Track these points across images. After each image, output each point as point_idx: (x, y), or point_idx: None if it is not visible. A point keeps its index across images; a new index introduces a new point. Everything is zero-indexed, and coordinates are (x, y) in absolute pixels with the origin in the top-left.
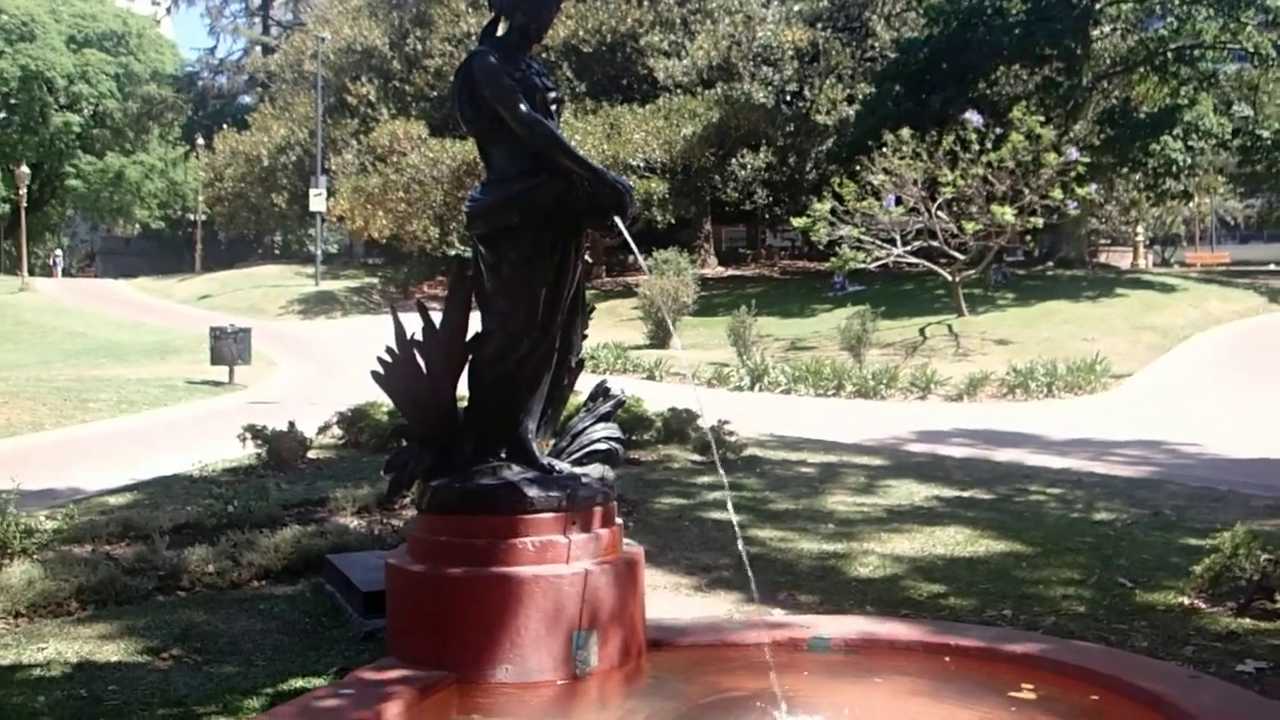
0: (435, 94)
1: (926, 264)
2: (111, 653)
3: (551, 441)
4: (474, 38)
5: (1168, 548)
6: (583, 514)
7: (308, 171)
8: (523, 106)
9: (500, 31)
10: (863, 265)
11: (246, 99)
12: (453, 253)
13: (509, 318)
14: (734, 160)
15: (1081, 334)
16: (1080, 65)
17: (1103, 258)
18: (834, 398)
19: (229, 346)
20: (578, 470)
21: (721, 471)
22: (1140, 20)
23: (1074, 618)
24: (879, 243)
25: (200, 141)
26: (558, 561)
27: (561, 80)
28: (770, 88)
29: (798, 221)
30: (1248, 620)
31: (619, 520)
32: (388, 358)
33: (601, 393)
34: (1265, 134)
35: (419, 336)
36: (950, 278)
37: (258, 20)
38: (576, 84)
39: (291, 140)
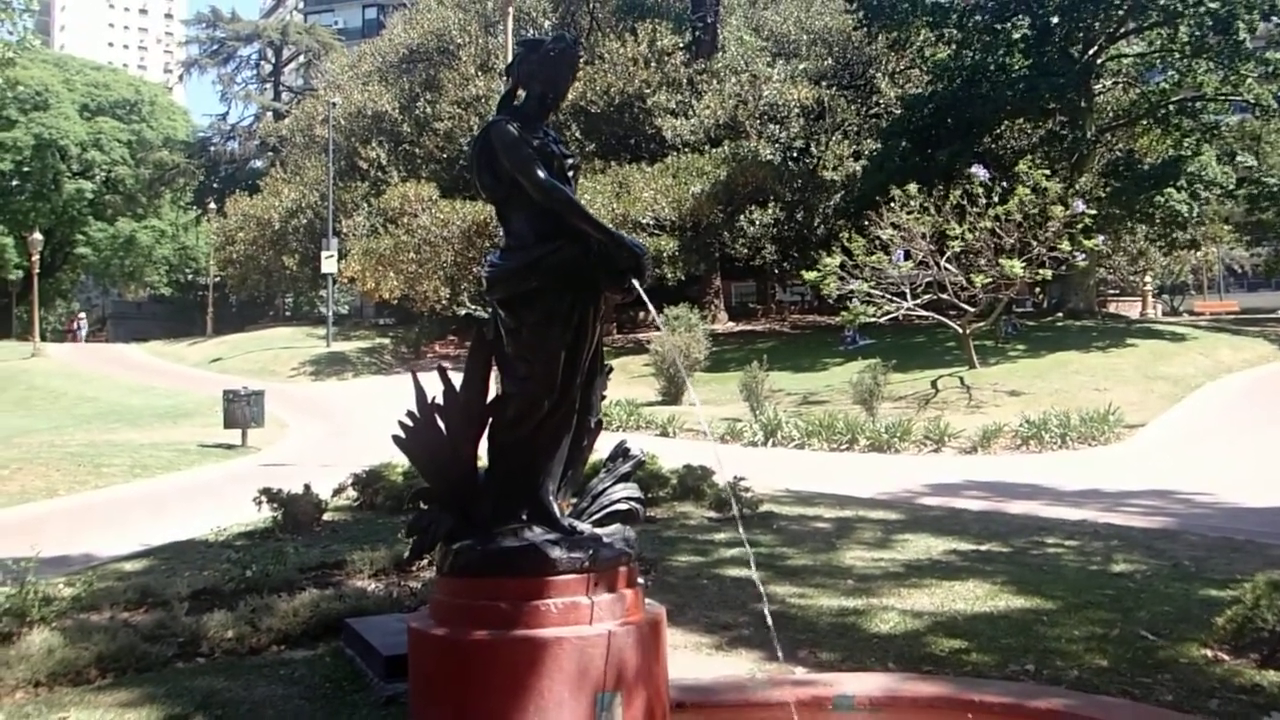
0: (445, 156)
1: (936, 316)
2: None
3: (572, 501)
4: (483, 100)
5: (1188, 599)
6: (605, 575)
7: (318, 234)
8: (541, 174)
9: (518, 100)
10: (873, 319)
11: (258, 163)
12: (463, 312)
13: (529, 380)
14: (742, 216)
15: (1093, 384)
16: (1084, 119)
17: (1111, 307)
18: (847, 452)
19: (242, 409)
20: (599, 531)
21: (741, 530)
22: (1141, 74)
23: (1097, 672)
24: (889, 296)
25: (212, 206)
26: (581, 623)
27: (570, 140)
28: (777, 145)
29: (808, 275)
30: (1271, 672)
31: (641, 580)
32: (409, 421)
33: (621, 453)
34: (1271, 181)
35: (439, 399)
36: (960, 330)
37: (269, 86)
38: (585, 144)
39: (302, 204)
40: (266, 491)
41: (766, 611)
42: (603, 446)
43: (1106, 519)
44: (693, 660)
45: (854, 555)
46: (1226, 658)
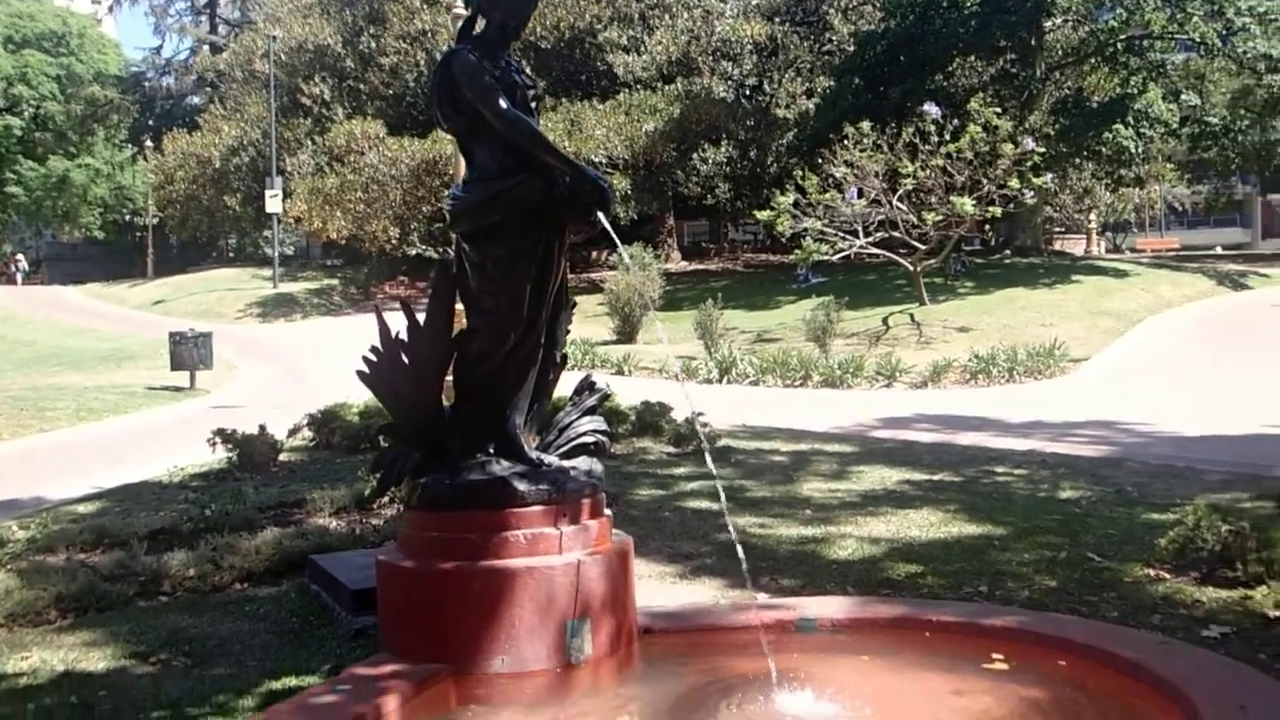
0: (391, 92)
1: (888, 254)
2: (98, 659)
3: (538, 436)
4: (430, 35)
5: (1131, 523)
6: (572, 506)
7: (262, 173)
8: (503, 104)
9: (478, 29)
10: (826, 257)
11: (195, 100)
12: (413, 252)
13: (494, 314)
14: (695, 155)
15: (1039, 320)
16: (1034, 57)
17: (1057, 245)
18: (801, 388)
19: (189, 351)
20: (566, 463)
21: (710, 462)
22: (1090, 12)
23: (1046, 592)
24: (842, 234)
25: (149, 144)
26: (550, 553)
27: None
28: (730, 82)
29: (761, 214)
30: (1211, 589)
31: (608, 511)
32: (373, 357)
33: (586, 387)
34: (1213, 121)
35: (403, 334)
36: (911, 267)
37: (204, 19)
38: (536, 81)
39: (244, 141)
40: (221, 432)
41: (736, 541)
42: (561, 385)
43: (1053, 449)
44: (658, 589)
45: (811, 486)
46: (1168, 576)
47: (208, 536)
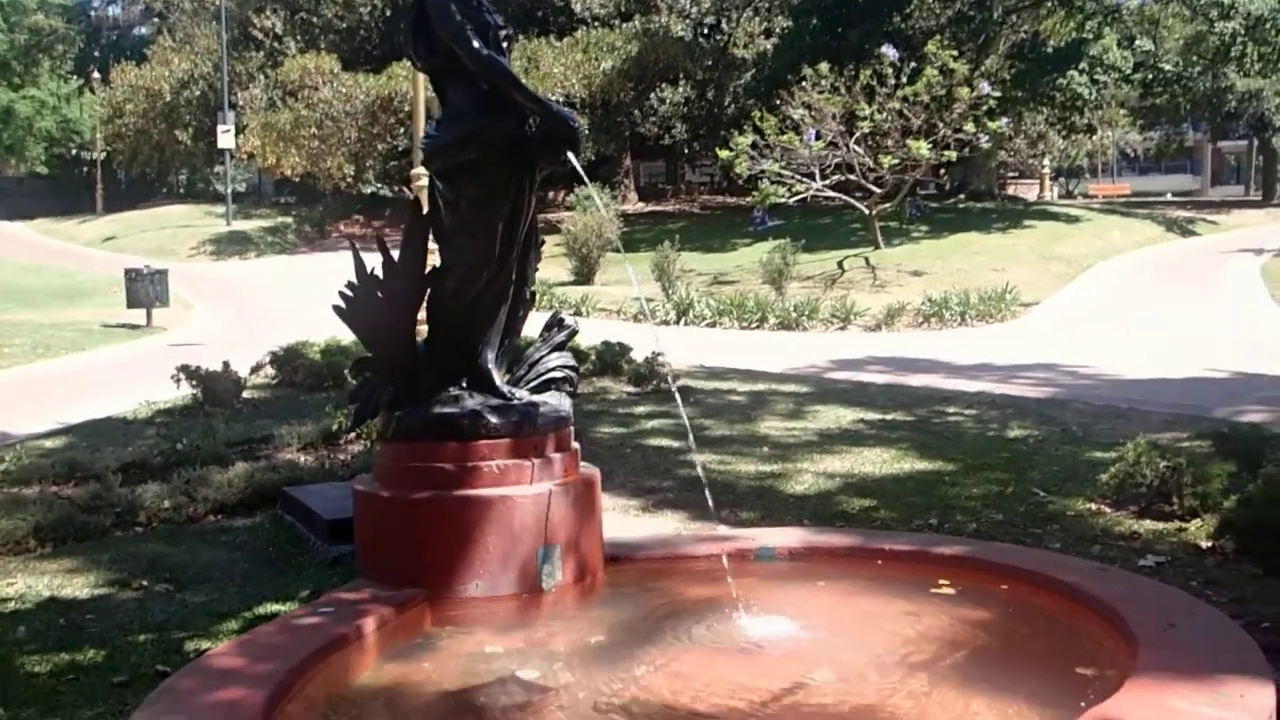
0: (345, 26)
1: (844, 198)
2: (81, 585)
3: (508, 372)
4: None
5: (1076, 460)
6: (542, 438)
7: (213, 107)
8: (476, 44)
9: None
10: (782, 200)
11: (143, 30)
12: (369, 190)
13: (468, 252)
14: (653, 95)
15: (992, 264)
16: None
17: (1010, 190)
18: (758, 330)
19: (145, 288)
20: (535, 398)
21: (681, 403)
22: None
23: (994, 524)
24: (799, 177)
25: (96, 76)
26: (521, 483)
27: None
28: (688, 21)
29: (721, 154)
30: (1148, 522)
31: (575, 444)
32: (350, 293)
33: (555, 323)
34: (1166, 68)
35: (378, 270)
36: (867, 211)
37: None
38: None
39: (195, 74)
40: (185, 368)
41: (702, 473)
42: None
43: (1002, 390)
44: (621, 521)
45: (768, 425)
46: (1109, 510)
47: (180, 470)
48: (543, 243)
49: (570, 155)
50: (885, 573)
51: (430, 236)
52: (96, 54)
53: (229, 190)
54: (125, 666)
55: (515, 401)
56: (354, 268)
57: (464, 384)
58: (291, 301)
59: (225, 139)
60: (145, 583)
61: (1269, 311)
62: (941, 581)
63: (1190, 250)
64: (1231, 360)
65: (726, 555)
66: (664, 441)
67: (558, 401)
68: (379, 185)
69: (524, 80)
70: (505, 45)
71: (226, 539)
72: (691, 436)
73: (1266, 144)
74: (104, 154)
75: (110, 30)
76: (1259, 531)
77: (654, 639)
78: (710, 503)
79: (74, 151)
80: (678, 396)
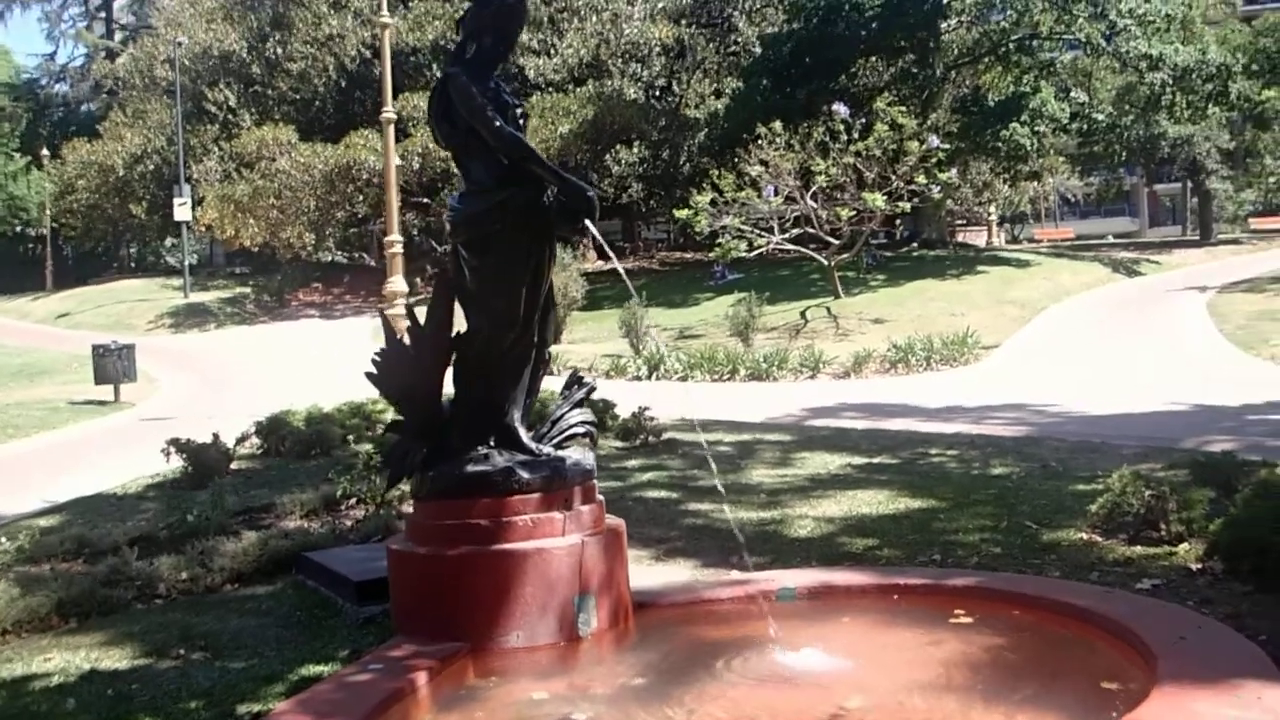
0: (299, 97)
1: (802, 250)
2: (119, 657)
3: (530, 429)
4: (338, 40)
5: (1060, 494)
6: (571, 491)
7: (168, 180)
8: (498, 122)
9: (469, 54)
10: (744, 254)
11: (92, 106)
12: (329, 259)
13: (494, 315)
14: (609, 156)
15: (949, 310)
16: (932, 57)
17: (960, 237)
18: (729, 382)
19: (114, 364)
20: (560, 453)
21: (707, 450)
22: (983, 13)
23: (994, 557)
24: (758, 231)
25: (45, 152)
26: (553, 535)
27: (432, 81)
28: (640, 83)
29: (680, 213)
30: (1139, 548)
31: (600, 496)
32: (381, 358)
33: (575, 381)
34: (1100, 117)
35: (407, 337)
36: (826, 262)
37: (100, 23)
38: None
39: (148, 149)
40: (175, 442)
41: (734, 525)
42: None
43: (977, 430)
44: (635, 570)
45: (759, 473)
46: (1100, 539)
47: (194, 541)
48: (556, 305)
49: (589, 223)
50: (902, 606)
51: (455, 302)
52: (43, 131)
53: (186, 263)
54: None
55: (543, 457)
56: (384, 335)
57: (491, 442)
58: (257, 371)
59: (182, 212)
60: (182, 651)
61: (1220, 346)
62: (958, 611)
63: (1137, 290)
64: (1190, 394)
65: (749, 597)
66: (661, 493)
67: (581, 455)
68: (338, 253)
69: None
70: (521, 122)
71: (251, 606)
72: (720, 483)
73: (1200, 186)
74: (53, 229)
75: (60, 107)
76: (1245, 551)
77: (695, 677)
78: (743, 547)
79: (18, 228)
80: (709, 458)
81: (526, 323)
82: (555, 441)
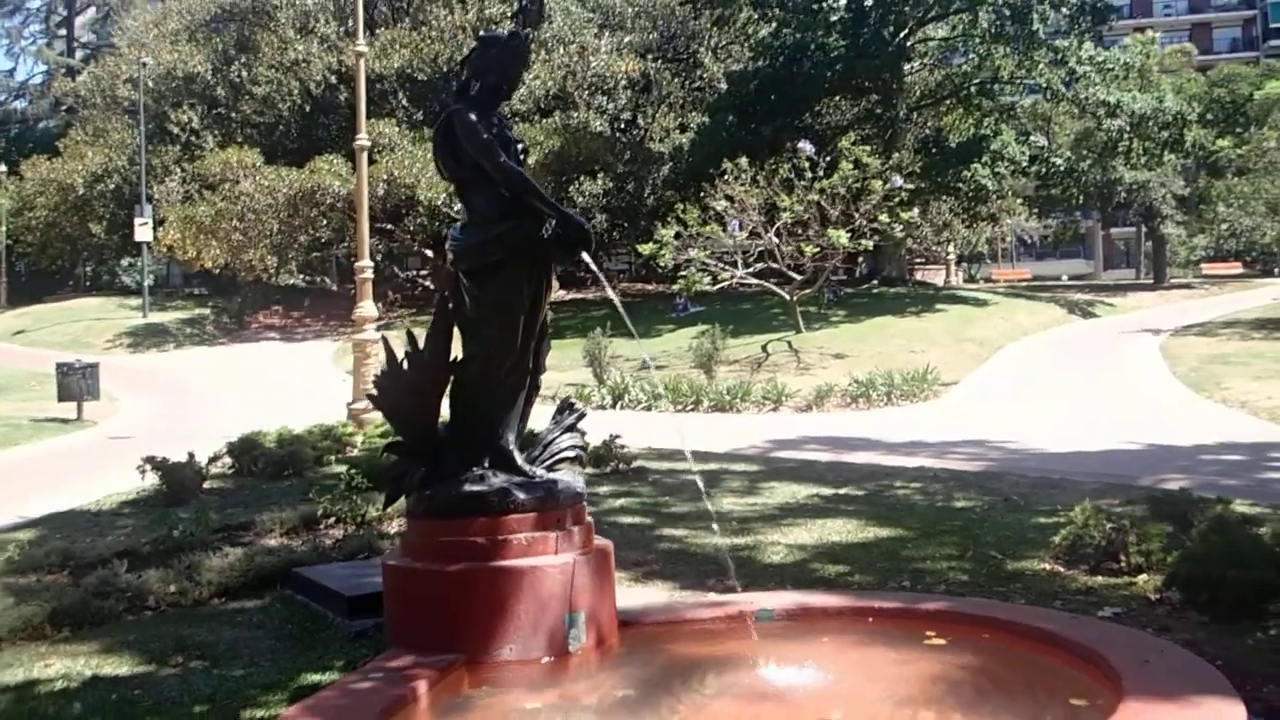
0: (263, 121)
1: (764, 284)
2: (118, 665)
3: (523, 451)
4: (303, 65)
5: (1023, 526)
6: (564, 512)
7: (128, 200)
8: (501, 158)
9: (473, 91)
10: (707, 288)
11: (51, 124)
12: (290, 281)
13: (492, 342)
14: (573, 187)
15: (909, 347)
16: (896, 98)
17: (919, 275)
18: (693, 412)
19: (77, 382)
20: (552, 475)
21: (700, 479)
22: (945, 56)
23: (961, 585)
24: (722, 265)
25: (2, 168)
26: (548, 553)
27: (397, 109)
28: (605, 116)
29: (645, 248)
30: (1100, 578)
31: (589, 518)
32: (383, 381)
33: (566, 407)
34: (1059, 161)
35: (407, 361)
36: (788, 297)
37: (61, 41)
38: (413, 112)
39: (109, 168)
40: (150, 459)
41: (723, 549)
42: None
43: (939, 464)
44: (616, 591)
45: (729, 501)
46: (1062, 569)
47: (179, 556)
48: (551, 331)
49: (585, 256)
50: (877, 628)
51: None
52: (4, 146)
53: (146, 283)
54: None
55: (537, 479)
56: (386, 359)
57: (486, 463)
58: (219, 393)
59: (143, 232)
60: (180, 660)
61: (1173, 387)
62: (930, 633)
63: (1092, 331)
64: (1145, 433)
65: (730, 618)
66: (635, 519)
67: (572, 478)
68: (299, 277)
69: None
70: (522, 158)
71: (242, 619)
72: (711, 506)
73: (1155, 231)
74: (8, 246)
75: (16, 123)
76: (1201, 583)
77: (681, 691)
78: (731, 570)
79: None
80: (702, 486)
81: (523, 350)
82: (547, 464)
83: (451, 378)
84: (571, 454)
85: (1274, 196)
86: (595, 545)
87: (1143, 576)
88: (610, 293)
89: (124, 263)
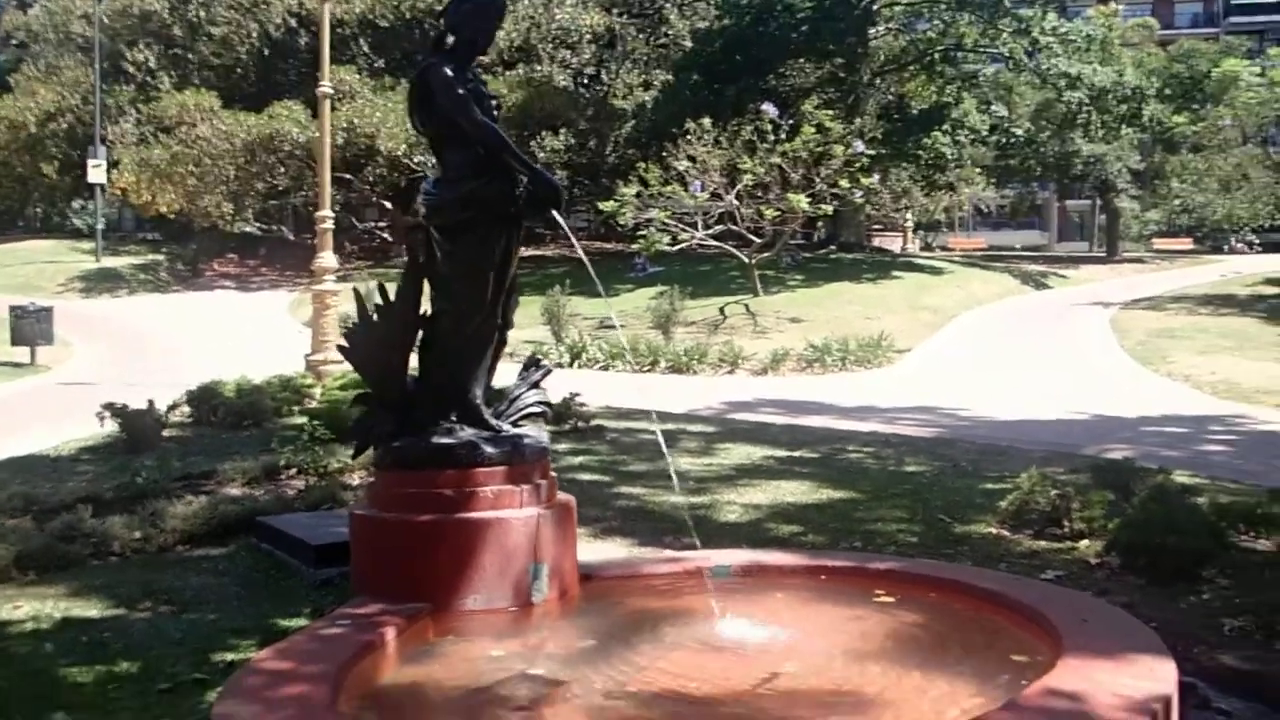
0: (220, 63)
1: (723, 246)
2: (87, 608)
3: (489, 406)
4: (263, 6)
5: (971, 491)
6: (529, 466)
7: (81, 140)
8: (476, 114)
9: (448, 44)
10: (667, 248)
11: (1, 58)
12: (247, 229)
13: (463, 297)
14: (534, 142)
15: (865, 313)
16: (860, 62)
17: (876, 242)
18: (650, 373)
19: (31, 326)
20: (518, 430)
21: (661, 439)
22: (910, 22)
23: (910, 547)
24: (682, 226)
25: None
26: (513, 506)
27: (358, 55)
28: (569, 71)
29: (605, 205)
30: (1043, 542)
31: (553, 473)
32: (352, 333)
33: (533, 363)
34: (1019, 132)
35: (377, 314)
36: (747, 260)
37: None
38: (374, 59)
39: (62, 107)
40: (109, 406)
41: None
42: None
43: (891, 430)
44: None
45: (686, 461)
46: (1008, 534)
47: (142, 503)
48: (520, 289)
49: (555, 214)
50: (829, 586)
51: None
52: None
53: (99, 226)
54: (162, 676)
55: (504, 433)
56: (357, 311)
57: (454, 417)
58: (174, 340)
59: (96, 174)
60: (148, 605)
61: (1120, 360)
62: (879, 591)
63: (1045, 302)
64: (1091, 404)
65: (686, 573)
66: (594, 476)
67: (538, 433)
68: (256, 225)
69: (409, 123)
70: (495, 114)
71: (208, 566)
72: (671, 466)
73: (1109, 204)
74: None
75: None
76: (1140, 549)
77: (640, 642)
78: (692, 529)
79: None
80: (663, 443)
81: (493, 306)
82: (512, 419)
83: (421, 332)
84: (537, 410)
85: (1226, 174)
86: (558, 500)
87: (1084, 542)
88: (580, 252)
89: (75, 205)
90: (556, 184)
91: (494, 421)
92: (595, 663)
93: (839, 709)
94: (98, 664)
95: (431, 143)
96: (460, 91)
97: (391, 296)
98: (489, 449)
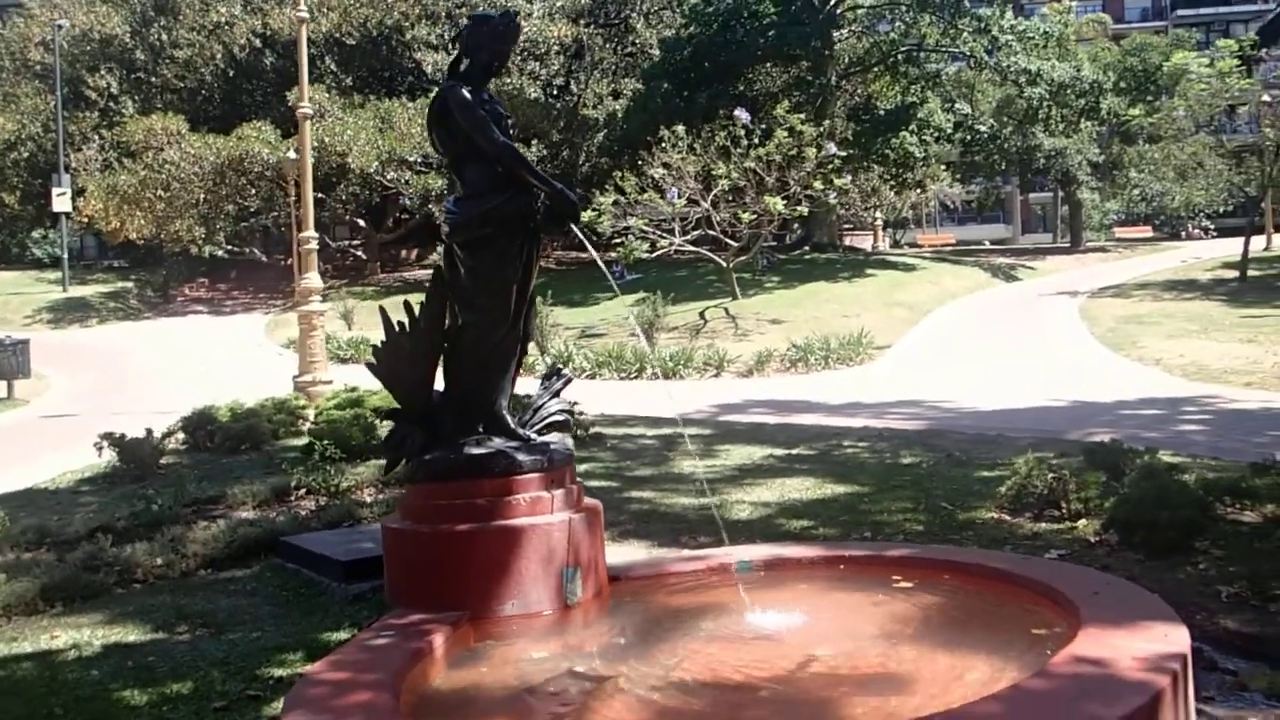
0: (185, 86)
1: (699, 251)
2: (126, 634)
3: (514, 416)
4: (226, 27)
5: (968, 479)
6: (558, 473)
7: (43, 168)
8: (494, 133)
9: (465, 68)
10: (646, 255)
11: None
12: (219, 253)
13: (486, 311)
14: None
15: (842, 312)
16: (826, 65)
17: (848, 241)
18: (637, 380)
19: (8, 360)
20: (545, 438)
21: (689, 441)
22: (873, 24)
23: (918, 534)
24: (660, 233)
25: None
26: (545, 513)
27: (325, 73)
28: (539, 82)
29: (582, 215)
30: (1043, 524)
31: (579, 479)
32: (380, 350)
33: (555, 373)
34: (982, 128)
35: (404, 330)
36: (724, 264)
37: None
38: (342, 77)
39: (22, 135)
40: (108, 436)
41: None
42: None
43: (881, 424)
44: None
45: (689, 464)
46: (1009, 518)
47: (159, 529)
48: (537, 301)
49: (574, 228)
50: (849, 575)
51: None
52: None
53: (65, 255)
54: (216, 694)
55: (532, 442)
56: (384, 329)
57: (481, 428)
58: (151, 368)
59: (61, 202)
60: (185, 629)
61: (1092, 347)
62: (896, 577)
63: (1015, 294)
64: (1068, 391)
65: (711, 570)
66: (601, 483)
67: (563, 440)
68: (227, 248)
69: (379, 140)
70: (512, 133)
71: (235, 588)
72: (698, 467)
73: (1071, 196)
74: None
75: None
76: (1136, 525)
77: (678, 636)
78: (723, 531)
79: None
80: (685, 438)
81: (515, 318)
82: (537, 428)
83: (446, 345)
84: (560, 418)
85: (1182, 163)
86: (587, 504)
87: (1082, 521)
88: (597, 258)
89: (35, 234)
90: (574, 199)
91: (521, 431)
92: (638, 658)
93: (879, 687)
94: (150, 687)
95: (451, 162)
96: (479, 113)
97: (418, 313)
98: (521, 457)
